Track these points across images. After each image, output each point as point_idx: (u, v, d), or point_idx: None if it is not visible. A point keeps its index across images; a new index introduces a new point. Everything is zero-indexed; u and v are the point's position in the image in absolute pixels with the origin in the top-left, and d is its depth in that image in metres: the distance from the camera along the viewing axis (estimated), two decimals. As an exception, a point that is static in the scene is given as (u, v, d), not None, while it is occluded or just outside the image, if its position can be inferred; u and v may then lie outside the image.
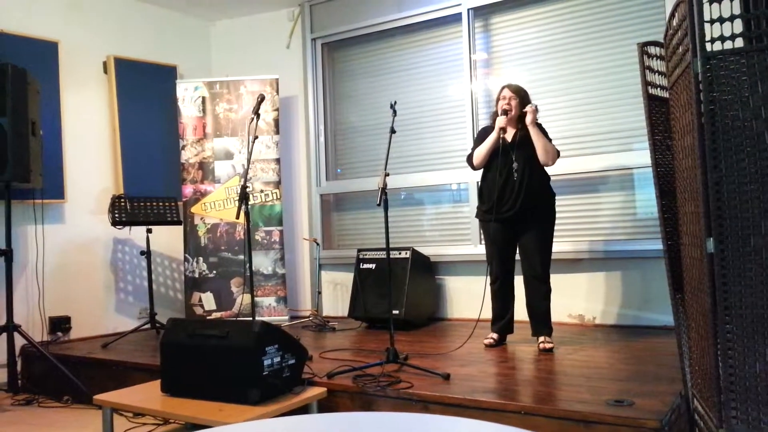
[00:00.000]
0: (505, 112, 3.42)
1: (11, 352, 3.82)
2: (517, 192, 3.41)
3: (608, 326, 4.06)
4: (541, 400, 2.40)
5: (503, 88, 3.53)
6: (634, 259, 4.02)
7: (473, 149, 3.59)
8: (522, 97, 3.49)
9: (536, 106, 3.46)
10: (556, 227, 3.54)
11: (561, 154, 3.55)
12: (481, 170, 3.59)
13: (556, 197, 3.58)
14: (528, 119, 3.40)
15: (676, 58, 2.01)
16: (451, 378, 2.77)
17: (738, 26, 1.74)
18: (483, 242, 3.70)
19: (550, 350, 3.31)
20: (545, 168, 3.50)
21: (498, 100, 3.53)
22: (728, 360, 1.70)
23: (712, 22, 1.71)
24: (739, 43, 1.74)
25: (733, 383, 1.69)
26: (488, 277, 3.53)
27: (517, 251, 3.55)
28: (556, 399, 2.42)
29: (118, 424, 2.90)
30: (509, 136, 3.48)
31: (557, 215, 3.57)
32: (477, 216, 3.69)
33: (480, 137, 3.59)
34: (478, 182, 4.52)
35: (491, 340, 3.54)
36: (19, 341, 3.87)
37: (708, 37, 1.72)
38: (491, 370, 2.97)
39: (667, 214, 2.30)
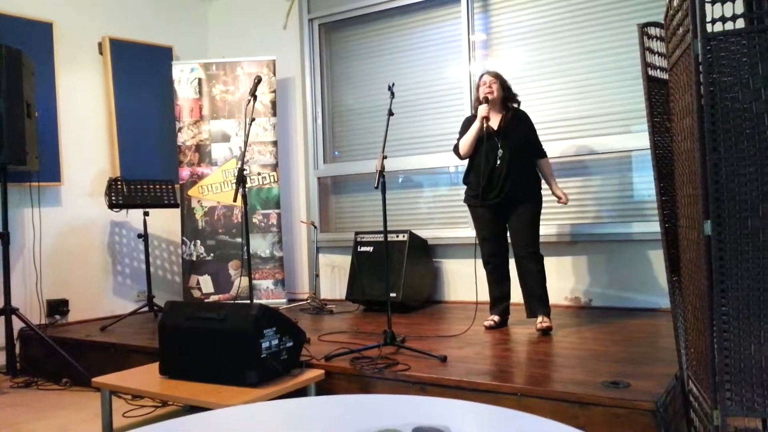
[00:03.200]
0: (487, 99, 3.43)
1: (9, 335, 3.83)
2: (504, 179, 3.42)
3: (604, 308, 4.08)
4: (536, 382, 2.41)
5: (483, 75, 3.55)
6: (630, 242, 4.02)
7: (458, 139, 3.59)
8: (502, 81, 3.51)
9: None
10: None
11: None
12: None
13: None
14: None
15: (676, 39, 2.00)
16: (447, 360, 2.79)
17: (739, 6, 1.73)
18: (472, 226, 3.70)
19: (548, 331, 3.32)
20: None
21: (478, 87, 3.53)
22: (724, 342, 1.70)
23: (713, 2, 1.69)
24: (740, 24, 1.72)
25: (728, 365, 1.70)
26: (478, 260, 3.55)
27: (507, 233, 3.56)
28: (551, 381, 2.44)
29: (116, 406, 2.92)
30: (494, 123, 3.48)
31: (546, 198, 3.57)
32: (465, 201, 3.68)
33: (464, 127, 3.59)
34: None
35: (492, 322, 3.55)
36: (17, 324, 3.88)
37: (709, 18, 1.70)
38: (487, 353, 2.98)
39: (665, 197, 2.30)
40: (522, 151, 3.47)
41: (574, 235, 4.18)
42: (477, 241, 3.60)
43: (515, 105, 3.56)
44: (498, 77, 3.51)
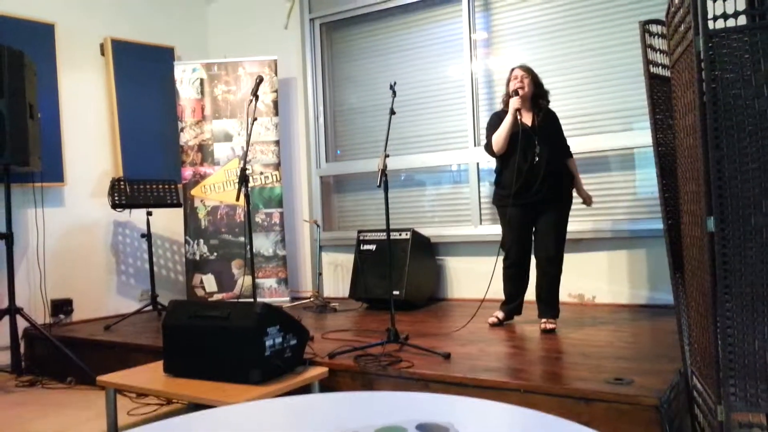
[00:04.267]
0: (517, 92, 3.35)
1: (14, 335, 3.85)
2: (543, 177, 3.34)
3: (608, 305, 4.08)
4: (541, 379, 2.42)
5: (513, 69, 3.46)
6: (634, 239, 4.02)
7: (488, 137, 3.49)
8: (533, 76, 3.42)
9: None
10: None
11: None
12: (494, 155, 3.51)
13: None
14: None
15: (677, 36, 2.00)
16: (451, 357, 2.79)
17: (740, 3, 1.73)
18: (500, 226, 3.58)
19: (552, 331, 3.32)
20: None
21: (509, 81, 3.45)
22: (727, 338, 1.71)
23: (714, -1, 1.70)
24: (742, 20, 1.72)
25: (732, 361, 1.70)
26: (498, 258, 3.49)
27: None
28: (556, 377, 2.44)
29: (121, 404, 2.93)
30: (527, 120, 3.40)
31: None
32: (494, 201, 3.59)
33: (494, 124, 3.48)
34: (479, 165, 4.53)
35: (495, 319, 3.54)
36: (22, 324, 3.90)
37: (710, 15, 1.71)
38: (491, 350, 2.99)
39: (668, 194, 2.30)
40: (557, 151, 3.41)
41: (576, 232, 4.17)
42: (503, 241, 3.51)
43: (546, 103, 3.46)
44: (529, 72, 3.41)
